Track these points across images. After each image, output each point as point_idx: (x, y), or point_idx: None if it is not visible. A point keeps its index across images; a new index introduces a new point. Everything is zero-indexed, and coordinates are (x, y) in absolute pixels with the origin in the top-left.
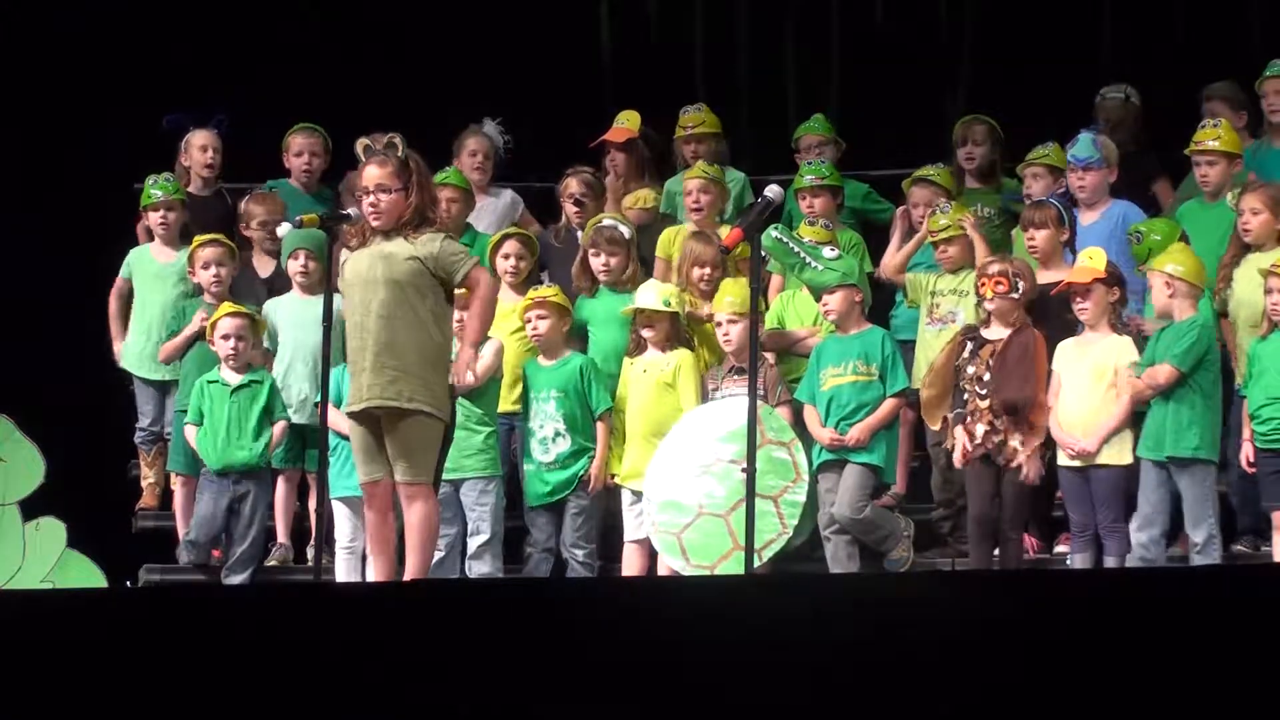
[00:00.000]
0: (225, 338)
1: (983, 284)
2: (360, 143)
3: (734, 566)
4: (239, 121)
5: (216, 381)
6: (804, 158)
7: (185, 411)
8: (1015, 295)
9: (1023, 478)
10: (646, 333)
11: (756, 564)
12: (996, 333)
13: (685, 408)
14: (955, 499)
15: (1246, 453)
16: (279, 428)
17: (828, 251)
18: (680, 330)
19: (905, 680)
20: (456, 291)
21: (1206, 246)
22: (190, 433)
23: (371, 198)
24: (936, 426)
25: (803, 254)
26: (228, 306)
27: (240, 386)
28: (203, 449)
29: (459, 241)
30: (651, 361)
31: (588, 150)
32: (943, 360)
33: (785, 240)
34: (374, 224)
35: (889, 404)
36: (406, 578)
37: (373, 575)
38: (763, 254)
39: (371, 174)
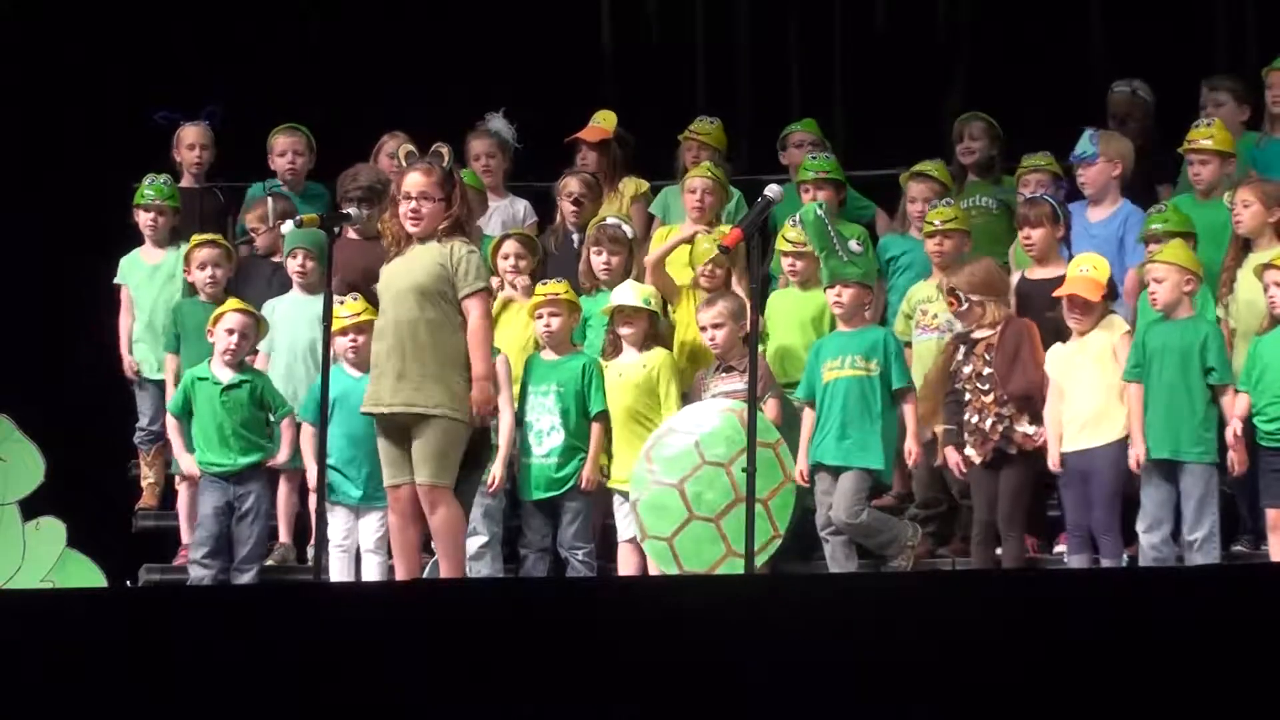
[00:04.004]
0: (230, 331)
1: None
2: (403, 149)
3: (729, 572)
4: (232, 115)
5: (207, 378)
6: (789, 157)
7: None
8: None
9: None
10: (624, 330)
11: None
12: (985, 331)
13: (667, 409)
14: (939, 499)
15: (1230, 458)
16: (287, 423)
17: (854, 245)
18: (657, 330)
19: (905, 680)
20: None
21: (1198, 242)
22: (171, 424)
23: (413, 204)
24: (928, 436)
25: (835, 239)
26: (236, 303)
27: (231, 386)
28: (196, 444)
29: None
30: (628, 364)
31: (584, 151)
32: (936, 371)
33: (826, 220)
34: (412, 230)
35: (910, 406)
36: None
37: (395, 578)
38: (794, 222)
39: (415, 180)
